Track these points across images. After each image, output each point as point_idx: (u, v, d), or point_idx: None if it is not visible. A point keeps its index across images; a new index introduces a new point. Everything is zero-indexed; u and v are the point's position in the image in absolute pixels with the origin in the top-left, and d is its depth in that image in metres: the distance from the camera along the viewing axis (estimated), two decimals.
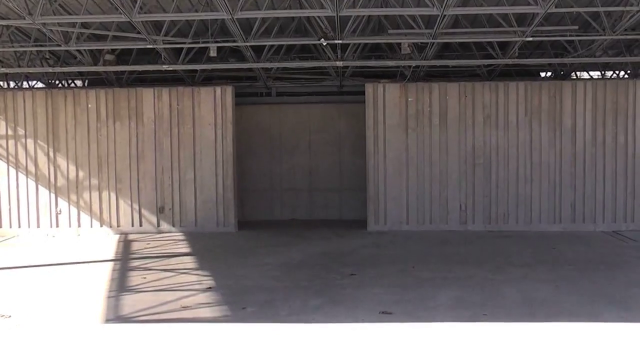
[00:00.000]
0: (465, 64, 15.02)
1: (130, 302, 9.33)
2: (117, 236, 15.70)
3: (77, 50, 13.32)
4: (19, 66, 14.26)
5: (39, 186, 16.01)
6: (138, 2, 10.00)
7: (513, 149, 15.78)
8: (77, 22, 11.42)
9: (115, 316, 8.67)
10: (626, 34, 11.82)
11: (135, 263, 12.43)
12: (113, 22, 11.67)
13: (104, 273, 11.43)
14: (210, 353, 7.02)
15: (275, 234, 15.64)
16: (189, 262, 12.52)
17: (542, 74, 17.53)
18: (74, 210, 16.04)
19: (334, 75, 16.89)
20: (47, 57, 14.97)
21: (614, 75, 16.88)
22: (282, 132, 18.23)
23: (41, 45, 12.93)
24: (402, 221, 15.95)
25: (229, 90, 15.99)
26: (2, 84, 16.83)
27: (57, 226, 16.04)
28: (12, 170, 16.01)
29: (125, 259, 12.84)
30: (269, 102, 18.22)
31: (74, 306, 9.15)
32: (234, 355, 6.94)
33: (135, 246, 14.39)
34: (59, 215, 16.03)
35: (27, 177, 16.00)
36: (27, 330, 7.99)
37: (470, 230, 15.75)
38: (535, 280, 10.45)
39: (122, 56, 14.70)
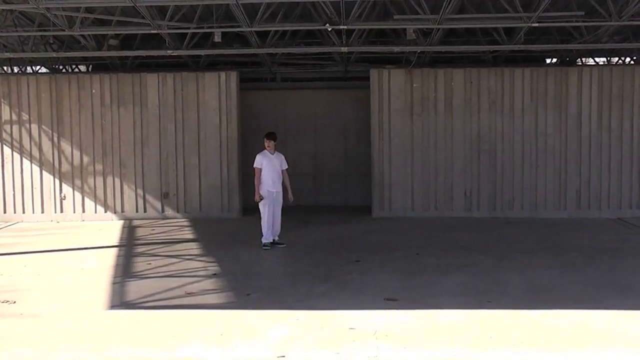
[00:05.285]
0: (471, 49, 14.94)
1: (135, 288, 9.34)
2: (122, 222, 15.72)
3: (81, 35, 13.28)
4: (23, 51, 14.20)
5: (43, 171, 16.02)
6: None
7: (518, 135, 15.73)
8: (81, 7, 11.35)
9: (120, 302, 8.69)
10: (633, 20, 11.72)
11: (140, 249, 12.44)
12: (117, 6, 11.61)
13: (109, 259, 11.44)
14: (213, 338, 7.02)
15: None
16: (194, 248, 12.52)
17: (548, 60, 17.45)
18: (78, 195, 16.06)
19: (339, 60, 16.82)
20: (51, 41, 14.92)
21: (620, 61, 16.79)
22: (287, 117, 18.19)
23: (45, 30, 12.88)
24: (407, 207, 15.94)
25: (234, 75, 15.96)
26: (5, 69, 16.79)
27: (62, 212, 16.06)
28: (17, 156, 16.02)
29: (129, 245, 12.85)
30: (273, 87, 18.18)
31: (78, 292, 9.16)
32: (238, 341, 6.94)
33: (139, 232, 14.40)
34: (63, 201, 16.05)
35: (31, 162, 16.01)
36: (30, 316, 8.00)
37: (475, 216, 15.73)
38: (539, 266, 10.44)
39: (127, 41, 14.66)
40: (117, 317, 7.99)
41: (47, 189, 16.05)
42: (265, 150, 12.21)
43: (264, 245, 12.15)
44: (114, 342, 6.98)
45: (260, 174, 12.07)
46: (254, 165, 12.12)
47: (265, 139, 12.27)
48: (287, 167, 12.32)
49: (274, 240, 12.29)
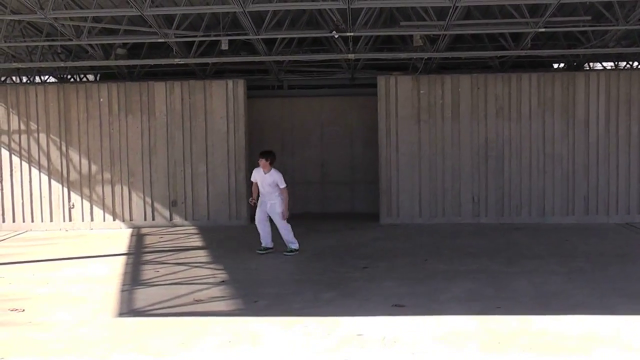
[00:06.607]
0: (478, 55, 14.94)
1: (143, 296, 9.36)
2: (130, 230, 15.75)
3: (89, 45, 13.34)
4: (31, 61, 14.27)
5: (52, 180, 16.07)
6: None
7: (526, 140, 15.70)
8: (88, 17, 11.42)
9: (129, 309, 8.70)
10: None
11: (148, 257, 12.46)
12: (124, 16, 11.66)
13: (117, 267, 11.47)
14: (222, 345, 7.03)
15: None
16: (202, 255, 12.54)
17: (555, 65, 17.43)
18: (86, 204, 16.10)
19: (346, 67, 16.84)
20: (59, 51, 14.99)
21: (628, 66, 16.76)
22: (294, 125, 18.22)
23: (53, 40, 12.94)
24: (415, 214, 15.92)
25: (241, 83, 15.99)
26: (14, 79, 16.89)
27: (70, 220, 16.10)
28: (25, 165, 16.08)
29: (138, 253, 12.88)
30: (280, 95, 18.21)
31: (86, 300, 9.19)
32: (247, 347, 6.95)
33: (148, 240, 14.43)
34: (71, 210, 16.09)
35: (39, 171, 16.07)
36: (38, 324, 8.02)
37: (483, 222, 15.70)
38: (548, 272, 10.40)
39: (134, 50, 14.72)
40: (126, 324, 8.01)
41: (56, 198, 16.10)
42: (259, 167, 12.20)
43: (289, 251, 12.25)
44: (122, 349, 7.00)
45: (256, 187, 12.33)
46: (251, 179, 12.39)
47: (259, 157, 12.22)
48: (284, 186, 12.04)
49: (286, 249, 12.36)
